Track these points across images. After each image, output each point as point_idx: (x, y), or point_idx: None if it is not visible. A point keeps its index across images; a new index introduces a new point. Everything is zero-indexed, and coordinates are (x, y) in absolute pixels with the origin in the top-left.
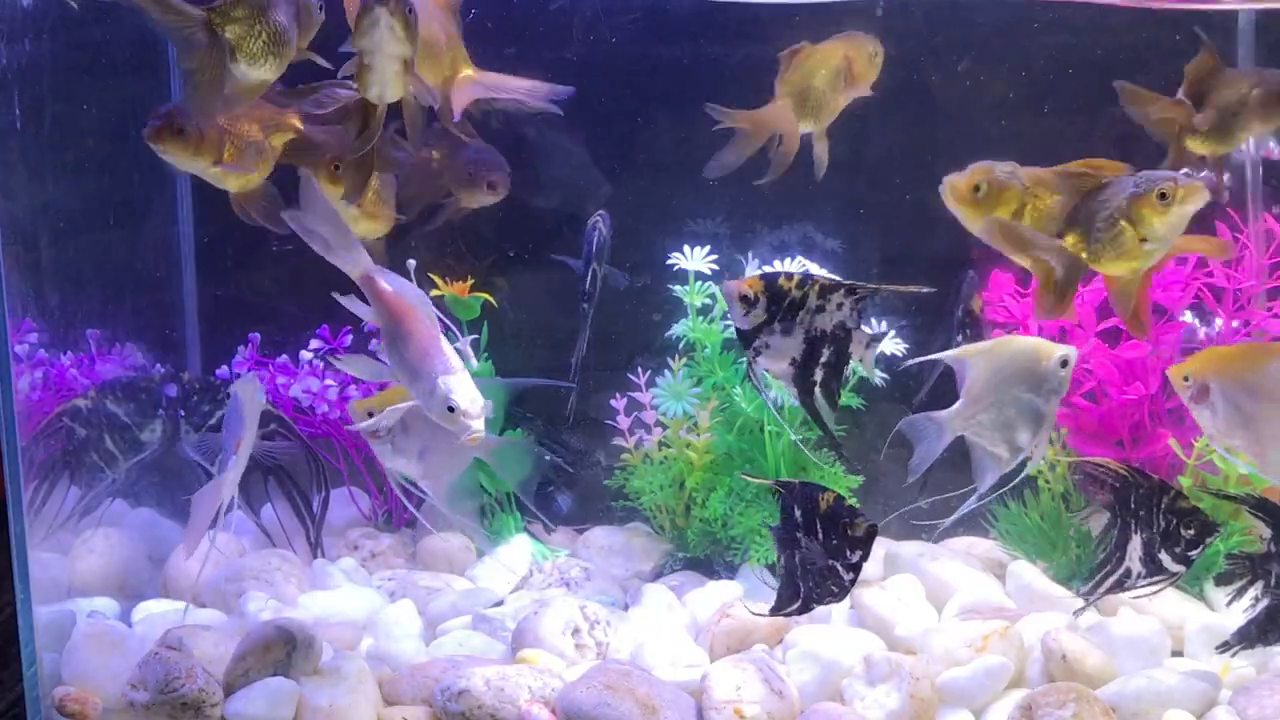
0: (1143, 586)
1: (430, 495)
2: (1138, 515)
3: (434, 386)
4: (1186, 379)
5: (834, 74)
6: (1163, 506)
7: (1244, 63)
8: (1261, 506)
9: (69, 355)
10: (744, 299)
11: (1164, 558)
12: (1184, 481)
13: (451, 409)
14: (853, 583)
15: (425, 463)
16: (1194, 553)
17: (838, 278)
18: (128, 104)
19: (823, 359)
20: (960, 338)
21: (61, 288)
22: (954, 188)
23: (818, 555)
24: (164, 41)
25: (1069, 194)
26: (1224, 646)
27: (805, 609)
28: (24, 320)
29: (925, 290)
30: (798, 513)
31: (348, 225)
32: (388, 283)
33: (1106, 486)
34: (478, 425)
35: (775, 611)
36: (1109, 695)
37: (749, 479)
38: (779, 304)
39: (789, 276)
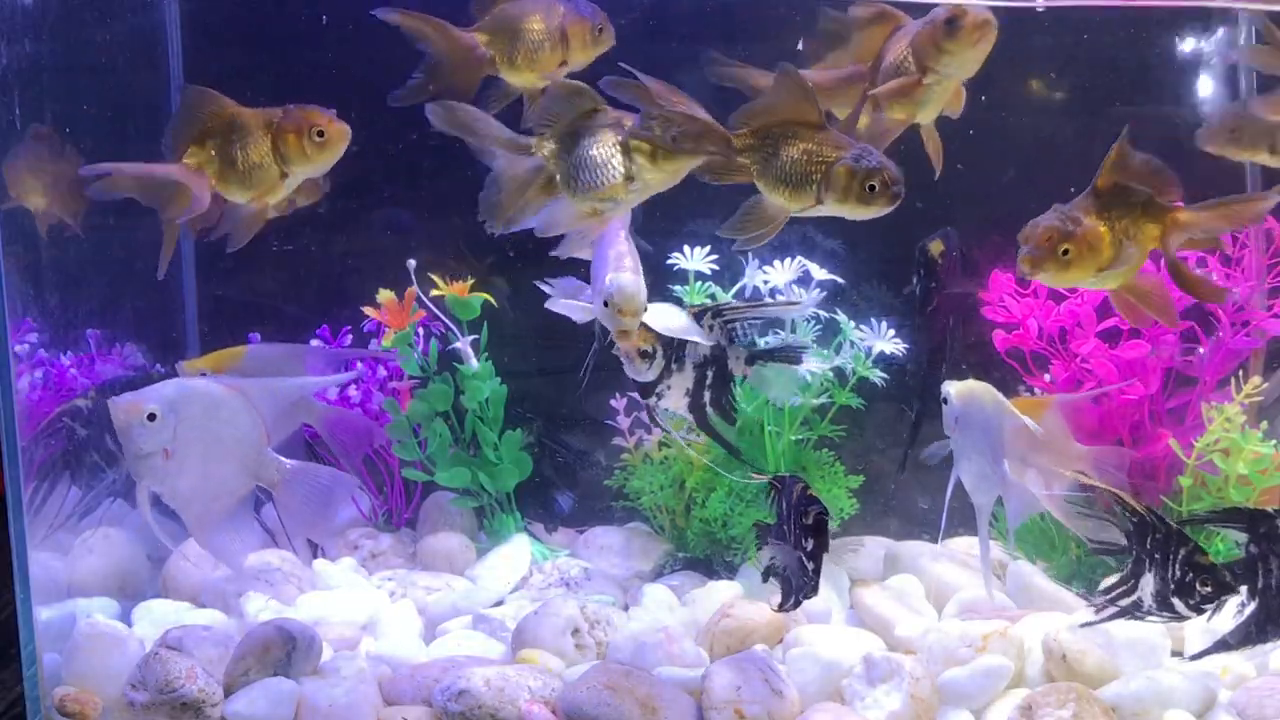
0: (1153, 619)
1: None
2: (1153, 557)
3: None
4: None
5: None
6: (1179, 557)
7: (1243, 63)
8: (1232, 517)
9: (69, 355)
10: (642, 354)
11: (1177, 604)
12: (1184, 482)
13: (605, 303)
14: (816, 572)
15: None
16: (1208, 607)
17: (713, 301)
18: (128, 103)
19: (707, 381)
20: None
21: (61, 288)
22: None
23: (790, 549)
24: (164, 40)
25: None
26: (1202, 654)
27: (796, 604)
28: (24, 320)
29: (796, 304)
30: (783, 507)
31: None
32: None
33: (1125, 517)
34: (630, 322)
35: (781, 608)
36: (1109, 695)
37: (751, 479)
38: (670, 346)
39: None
